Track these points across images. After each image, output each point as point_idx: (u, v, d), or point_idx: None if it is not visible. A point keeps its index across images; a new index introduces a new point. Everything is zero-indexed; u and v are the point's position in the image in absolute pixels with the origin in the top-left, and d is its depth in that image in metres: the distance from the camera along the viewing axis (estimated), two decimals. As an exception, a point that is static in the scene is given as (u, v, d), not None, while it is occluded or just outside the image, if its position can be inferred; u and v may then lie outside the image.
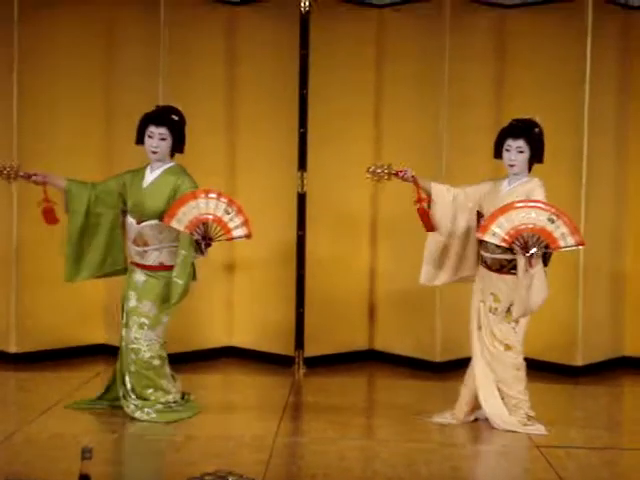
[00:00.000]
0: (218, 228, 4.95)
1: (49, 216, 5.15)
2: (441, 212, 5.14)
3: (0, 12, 6.38)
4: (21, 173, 5.14)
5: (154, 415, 5.08)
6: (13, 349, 6.45)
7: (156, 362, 5.14)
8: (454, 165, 6.39)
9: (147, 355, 5.12)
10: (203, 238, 4.93)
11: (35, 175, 5.15)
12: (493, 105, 6.60)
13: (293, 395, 5.92)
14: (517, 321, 5.04)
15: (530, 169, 5.12)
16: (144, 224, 5.11)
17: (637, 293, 6.69)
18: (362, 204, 6.76)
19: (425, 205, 5.13)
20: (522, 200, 4.91)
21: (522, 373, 5.11)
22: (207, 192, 4.98)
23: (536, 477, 4.43)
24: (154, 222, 5.10)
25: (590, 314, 6.41)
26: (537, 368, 6.34)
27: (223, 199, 4.97)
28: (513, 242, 4.80)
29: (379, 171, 5.08)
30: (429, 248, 5.19)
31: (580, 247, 4.91)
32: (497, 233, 4.82)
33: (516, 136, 5.03)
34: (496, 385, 5.07)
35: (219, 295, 6.72)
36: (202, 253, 4.98)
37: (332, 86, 6.56)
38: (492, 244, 4.96)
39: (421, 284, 5.26)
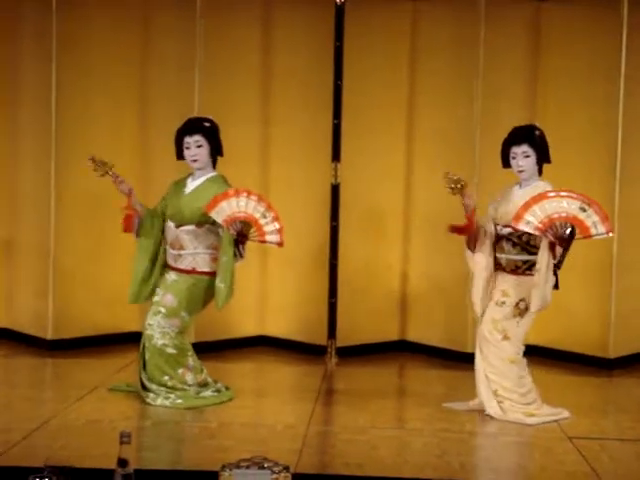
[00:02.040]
0: (253, 229, 5.06)
1: (128, 223, 5.28)
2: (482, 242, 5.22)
3: (38, 6, 6.46)
4: (112, 172, 5.23)
5: (178, 401, 5.17)
6: (50, 336, 6.53)
7: (170, 350, 5.23)
8: (487, 158, 6.38)
9: (160, 342, 5.21)
10: (238, 234, 5.03)
11: (122, 182, 5.24)
12: (527, 97, 6.58)
13: (325, 384, 5.95)
14: (522, 315, 5.07)
15: (540, 172, 5.21)
16: (182, 228, 5.25)
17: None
18: (395, 195, 6.77)
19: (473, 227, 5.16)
20: (554, 190, 4.96)
21: (518, 368, 5.13)
22: (249, 193, 5.10)
23: (569, 469, 4.43)
24: (191, 227, 5.23)
25: (623, 307, 6.39)
26: (570, 360, 6.37)
27: (263, 203, 5.09)
28: (546, 230, 4.84)
29: (452, 186, 5.08)
30: (478, 286, 5.21)
31: (610, 235, 4.97)
32: (531, 221, 4.87)
33: (519, 142, 5.12)
34: (485, 374, 5.13)
35: (253, 285, 6.77)
36: (241, 256, 5.11)
37: (366, 78, 6.57)
38: (508, 244, 5.07)
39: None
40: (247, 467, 2.81)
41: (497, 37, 6.45)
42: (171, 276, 5.29)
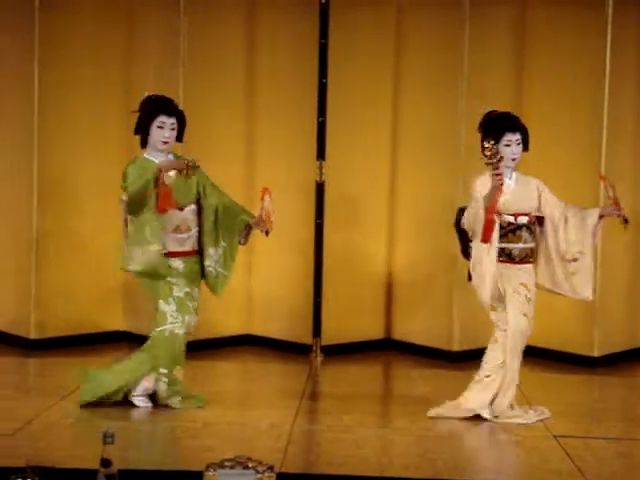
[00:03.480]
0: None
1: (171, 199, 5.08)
2: None
3: (21, 1, 6.43)
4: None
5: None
6: (33, 335, 6.49)
7: None
8: (472, 155, 6.38)
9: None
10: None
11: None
12: (512, 96, 6.58)
13: (310, 383, 5.94)
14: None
15: None
16: (187, 209, 5.16)
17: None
18: (381, 193, 6.77)
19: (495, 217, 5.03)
20: None
21: (499, 345, 5.08)
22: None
23: (554, 467, 4.42)
24: (193, 206, 5.17)
25: (607, 305, 6.40)
26: (554, 358, 6.37)
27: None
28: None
29: (489, 156, 4.93)
30: (488, 283, 5.06)
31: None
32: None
33: (514, 129, 5.05)
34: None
35: (237, 283, 6.72)
36: (245, 241, 5.15)
37: (351, 75, 6.56)
38: (526, 233, 5.04)
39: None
40: (231, 467, 2.79)
41: (482, 36, 6.45)
42: (180, 264, 5.13)
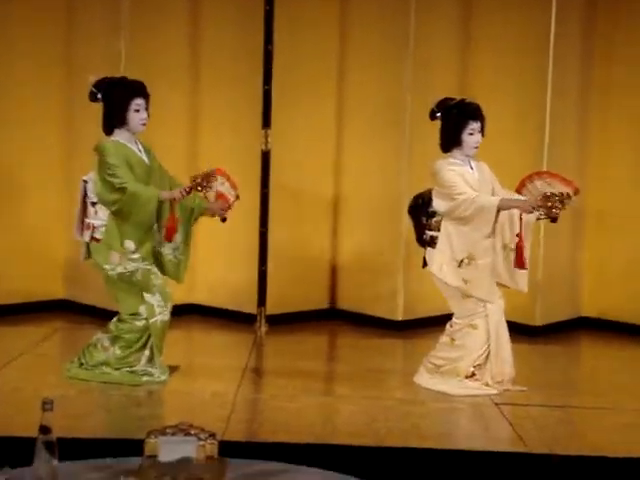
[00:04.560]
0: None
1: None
2: None
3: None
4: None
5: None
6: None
7: None
8: (418, 126, 6.39)
9: None
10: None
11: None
12: (458, 67, 6.61)
13: (254, 353, 5.94)
14: None
15: None
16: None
17: (596, 253, 6.76)
18: (327, 162, 6.76)
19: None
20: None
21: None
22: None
23: (495, 435, 4.49)
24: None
25: (549, 274, 6.47)
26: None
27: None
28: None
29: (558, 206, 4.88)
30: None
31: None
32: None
33: (477, 118, 5.01)
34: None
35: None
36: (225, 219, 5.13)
37: (296, 44, 6.52)
38: None
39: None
40: (173, 434, 2.77)
41: (427, 6, 6.44)
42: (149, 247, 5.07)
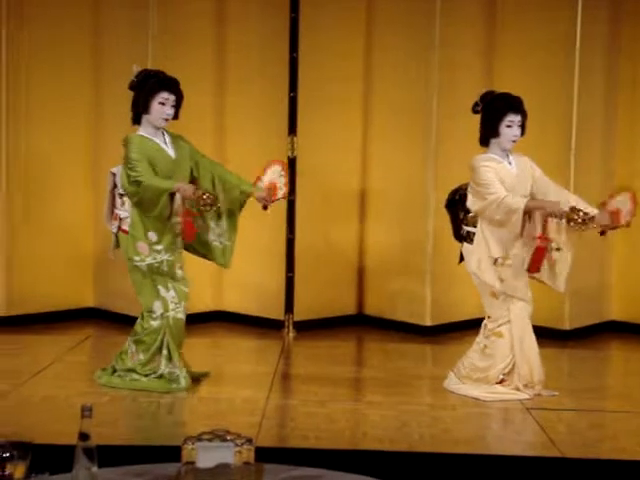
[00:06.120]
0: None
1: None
2: None
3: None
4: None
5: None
6: (2, 313, 6.44)
7: None
8: (444, 129, 6.39)
9: None
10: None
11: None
12: (483, 69, 6.59)
13: (283, 359, 5.93)
14: None
15: None
16: None
17: (623, 259, 6.72)
18: (352, 168, 6.76)
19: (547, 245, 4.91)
20: None
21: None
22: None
23: (527, 440, 4.47)
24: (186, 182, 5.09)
25: (578, 279, 6.43)
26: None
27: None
28: None
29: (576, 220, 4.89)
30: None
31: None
32: None
33: (517, 111, 4.94)
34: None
35: (209, 259, 6.71)
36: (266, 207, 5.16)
37: (322, 50, 6.53)
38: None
39: None
40: (209, 440, 2.78)
41: (453, 7, 6.44)
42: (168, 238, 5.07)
